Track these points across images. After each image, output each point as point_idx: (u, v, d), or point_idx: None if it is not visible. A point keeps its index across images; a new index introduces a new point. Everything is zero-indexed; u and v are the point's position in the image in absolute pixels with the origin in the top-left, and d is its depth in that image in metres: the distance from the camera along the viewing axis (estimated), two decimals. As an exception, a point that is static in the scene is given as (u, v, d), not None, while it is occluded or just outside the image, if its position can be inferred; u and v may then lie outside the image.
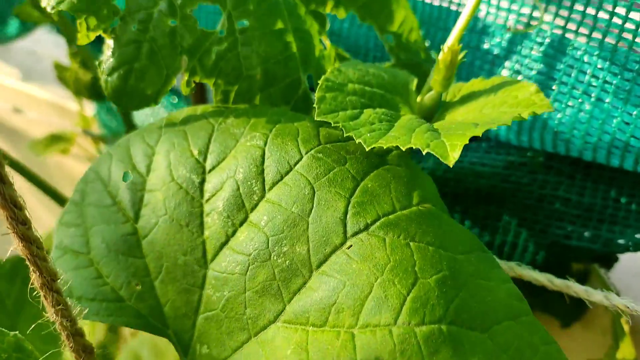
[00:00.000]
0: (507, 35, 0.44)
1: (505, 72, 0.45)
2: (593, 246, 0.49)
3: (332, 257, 0.29)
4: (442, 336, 0.26)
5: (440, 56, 0.35)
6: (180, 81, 0.37)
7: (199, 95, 0.54)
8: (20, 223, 0.23)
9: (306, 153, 0.32)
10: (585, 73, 0.40)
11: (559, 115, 0.42)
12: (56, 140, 0.90)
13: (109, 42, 0.35)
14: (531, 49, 0.43)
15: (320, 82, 0.32)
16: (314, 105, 0.31)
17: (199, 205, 0.33)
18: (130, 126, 0.61)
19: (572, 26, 0.41)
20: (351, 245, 0.29)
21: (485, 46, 0.46)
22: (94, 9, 0.33)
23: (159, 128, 0.36)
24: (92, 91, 0.81)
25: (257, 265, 0.31)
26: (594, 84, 0.40)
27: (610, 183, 0.48)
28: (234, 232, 0.32)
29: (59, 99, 1.11)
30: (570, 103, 0.41)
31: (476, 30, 0.46)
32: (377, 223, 0.29)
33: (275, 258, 0.30)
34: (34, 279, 0.24)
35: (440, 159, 0.28)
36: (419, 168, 0.33)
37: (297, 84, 0.38)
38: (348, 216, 0.30)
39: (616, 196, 0.47)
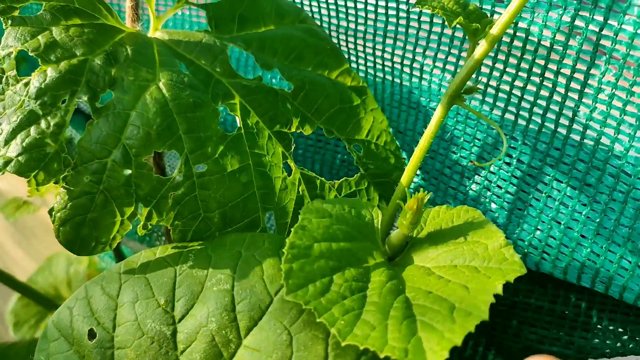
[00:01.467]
0: (475, 149, 0.44)
1: (474, 187, 0.44)
2: (567, 351, 0.49)
3: None
4: None
5: (407, 204, 0.34)
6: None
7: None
8: None
9: (275, 294, 0.32)
10: (554, 199, 0.40)
11: (528, 238, 0.42)
12: (23, 203, 0.89)
13: (61, 191, 0.33)
14: (499, 167, 0.42)
15: (285, 250, 0.31)
16: (282, 280, 0.30)
17: (174, 359, 0.32)
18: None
19: (539, 155, 0.40)
20: None
21: (454, 156, 0.45)
22: (43, 165, 0.32)
23: (117, 275, 0.34)
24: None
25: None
26: (562, 211, 0.39)
27: (581, 292, 0.47)
28: None
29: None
30: (539, 227, 0.41)
31: (445, 138, 0.45)
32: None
33: None
34: None
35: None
36: None
37: (257, 223, 0.38)
38: (329, 359, 0.30)
39: (586, 308, 0.47)
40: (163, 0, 0.58)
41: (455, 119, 0.44)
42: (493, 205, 0.43)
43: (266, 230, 0.38)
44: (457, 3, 0.37)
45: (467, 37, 0.39)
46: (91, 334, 0.33)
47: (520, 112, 0.40)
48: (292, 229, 0.32)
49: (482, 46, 0.35)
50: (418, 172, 0.49)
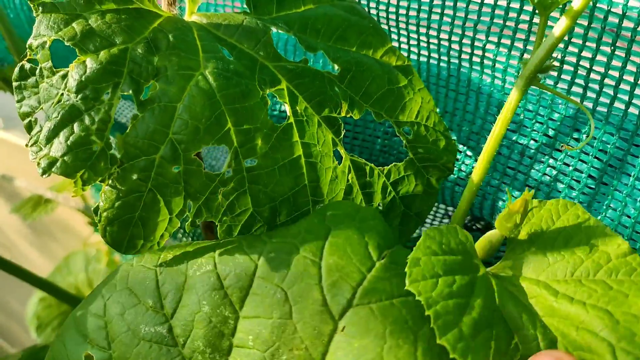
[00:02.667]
0: (550, 131, 0.41)
1: (540, 168, 0.42)
2: None
3: (332, 344, 0.29)
4: None
5: (512, 206, 0.33)
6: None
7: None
8: None
9: (258, 259, 0.31)
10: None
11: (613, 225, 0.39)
12: (42, 202, 0.88)
13: (106, 189, 0.32)
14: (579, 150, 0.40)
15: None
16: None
17: (177, 354, 0.32)
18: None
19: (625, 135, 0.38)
20: (344, 327, 0.29)
21: (522, 138, 0.43)
22: (90, 165, 0.30)
23: (99, 294, 0.34)
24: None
25: (264, 386, 0.29)
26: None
27: None
28: None
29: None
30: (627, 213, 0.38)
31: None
32: (357, 295, 0.29)
33: None
34: None
35: None
36: (360, 214, 0.33)
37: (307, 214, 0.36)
38: (328, 301, 0.30)
39: None
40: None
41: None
42: (570, 190, 0.41)
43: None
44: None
45: (536, 11, 0.37)
46: (88, 359, 0.33)
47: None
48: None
49: (562, 22, 0.33)
50: (470, 152, 0.47)
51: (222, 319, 0.31)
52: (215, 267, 0.32)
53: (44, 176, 0.30)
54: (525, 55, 0.40)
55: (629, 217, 0.38)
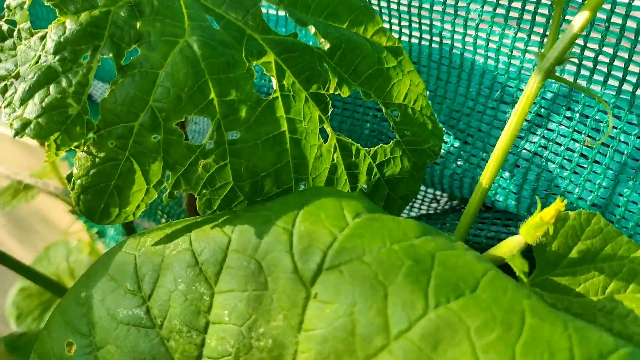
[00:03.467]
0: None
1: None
2: None
3: (307, 312, 0.29)
4: (434, 325, 0.26)
5: (543, 215, 0.32)
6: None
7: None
8: None
9: (232, 233, 0.31)
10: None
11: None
12: (22, 189, 0.88)
13: (80, 155, 0.31)
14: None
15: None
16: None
17: (156, 335, 0.32)
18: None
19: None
20: (316, 293, 0.28)
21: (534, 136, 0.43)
22: (65, 128, 0.30)
23: (83, 283, 0.34)
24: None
25: (243, 359, 0.29)
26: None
27: None
28: (203, 342, 0.31)
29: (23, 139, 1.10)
30: None
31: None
32: (326, 259, 0.29)
33: (256, 343, 0.29)
34: None
35: None
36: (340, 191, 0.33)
37: (289, 193, 0.35)
38: (299, 268, 0.29)
39: None
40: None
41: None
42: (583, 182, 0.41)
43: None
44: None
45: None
46: (69, 345, 0.33)
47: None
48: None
49: (583, 14, 0.33)
50: (458, 133, 0.47)
51: (197, 296, 0.31)
52: (190, 244, 0.32)
53: (16, 137, 0.29)
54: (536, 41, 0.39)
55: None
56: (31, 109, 0.29)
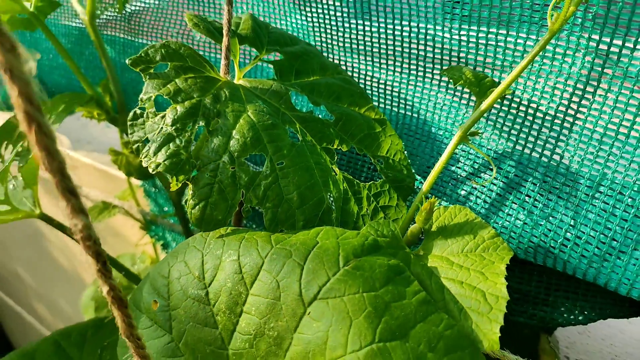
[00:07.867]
0: (469, 168, 0.56)
1: (464, 192, 0.57)
2: (531, 322, 0.58)
3: (302, 322, 0.37)
4: (374, 353, 0.34)
5: (423, 206, 0.47)
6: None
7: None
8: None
9: (265, 257, 0.40)
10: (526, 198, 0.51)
11: (499, 223, 0.53)
12: (105, 208, 1.02)
13: (190, 185, 0.48)
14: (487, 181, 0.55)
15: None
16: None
17: (209, 311, 0.41)
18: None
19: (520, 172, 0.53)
20: (310, 312, 0.37)
21: (452, 169, 0.58)
22: (179, 168, 0.43)
23: (166, 263, 0.43)
24: (140, 172, 0.95)
25: (257, 340, 0.38)
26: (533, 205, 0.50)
27: (541, 274, 0.57)
28: (237, 322, 0.40)
29: (105, 166, 1.22)
30: (509, 213, 0.51)
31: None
32: (320, 293, 0.37)
33: (267, 332, 0.38)
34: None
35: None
36: (344, 233, 0.41)
37: (322, 201, 0.47)
38: (302, 293, 0.37)
39: (546, 285, 0.56)
40: (242, 57, 0.72)
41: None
42: (479, 204, 0.55)
43: (331, 206, 0.48)
44: (474, 75, 0.49)
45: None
46: (155, 302, 0.43)
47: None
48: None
49: (485, 102, 0.48)
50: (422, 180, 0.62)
51: (238, 293, 0.40)
52: (238, 257, 0.41)
53: (152, 172, 0.47)
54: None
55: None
56: (160, 157, 0.43)
